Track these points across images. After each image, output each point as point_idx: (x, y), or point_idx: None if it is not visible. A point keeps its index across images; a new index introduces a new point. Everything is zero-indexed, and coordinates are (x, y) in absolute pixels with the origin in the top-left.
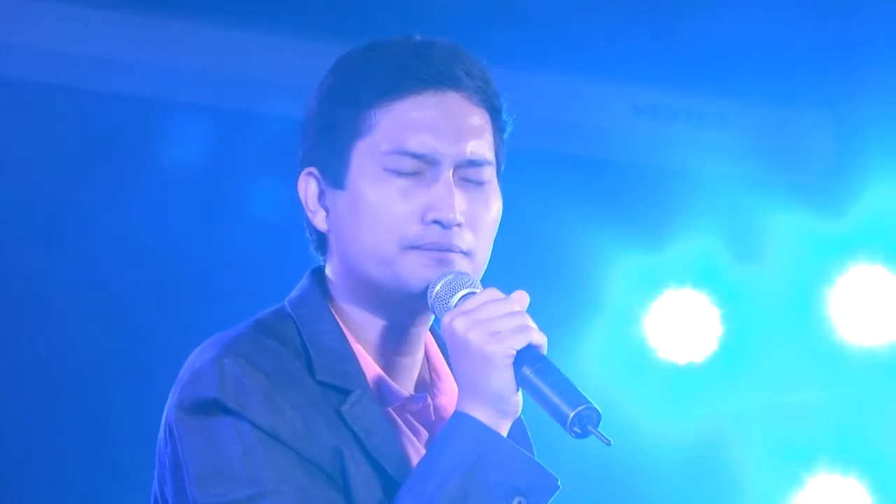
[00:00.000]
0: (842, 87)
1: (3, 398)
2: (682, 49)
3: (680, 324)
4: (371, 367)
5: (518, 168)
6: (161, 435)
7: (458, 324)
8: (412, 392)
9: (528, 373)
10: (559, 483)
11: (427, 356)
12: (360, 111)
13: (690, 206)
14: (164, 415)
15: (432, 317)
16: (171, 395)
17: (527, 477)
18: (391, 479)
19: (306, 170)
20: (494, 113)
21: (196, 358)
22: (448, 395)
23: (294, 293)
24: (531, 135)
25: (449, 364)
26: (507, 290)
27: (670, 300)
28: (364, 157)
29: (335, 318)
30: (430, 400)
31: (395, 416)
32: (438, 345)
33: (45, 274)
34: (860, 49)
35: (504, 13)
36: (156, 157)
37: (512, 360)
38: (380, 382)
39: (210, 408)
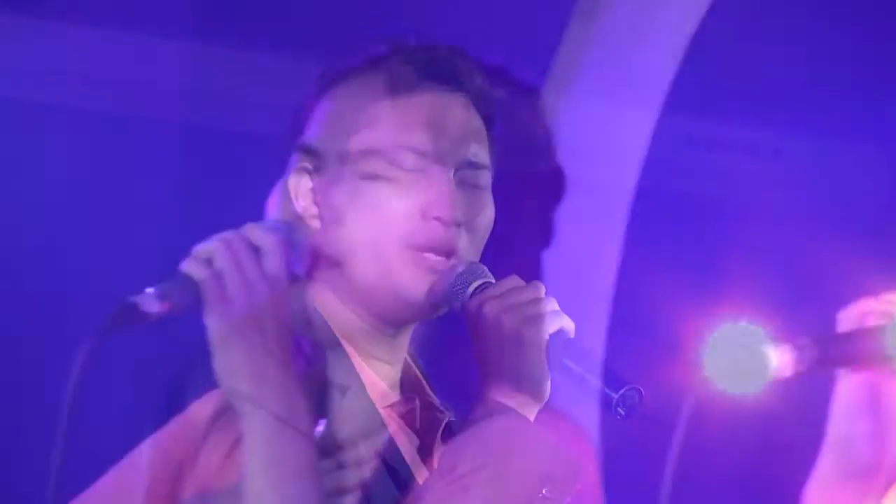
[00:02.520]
0: None
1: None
2: (738, 80)
3: (736, 357)
4: (361, 366)
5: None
6: None
7: (488, 308)
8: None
9: (563, 357)
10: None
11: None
12: (364, 104)
13: (745, 238)
14: None
15: (413, 326)
16: None
17: (554, 465)
18: (397, 475)
19: (300, 164)
20: (490, 122)
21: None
22: (423, 404)
23: None
24: (586, 163)
25: (423, 374)
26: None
27: (726, 334)
28: (365, 150)
29: (322, 315)
30: (418, 403)
31: (385, 416)
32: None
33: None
34: None
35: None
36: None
37: (545, 344)
38: (370, 382)
39: None
